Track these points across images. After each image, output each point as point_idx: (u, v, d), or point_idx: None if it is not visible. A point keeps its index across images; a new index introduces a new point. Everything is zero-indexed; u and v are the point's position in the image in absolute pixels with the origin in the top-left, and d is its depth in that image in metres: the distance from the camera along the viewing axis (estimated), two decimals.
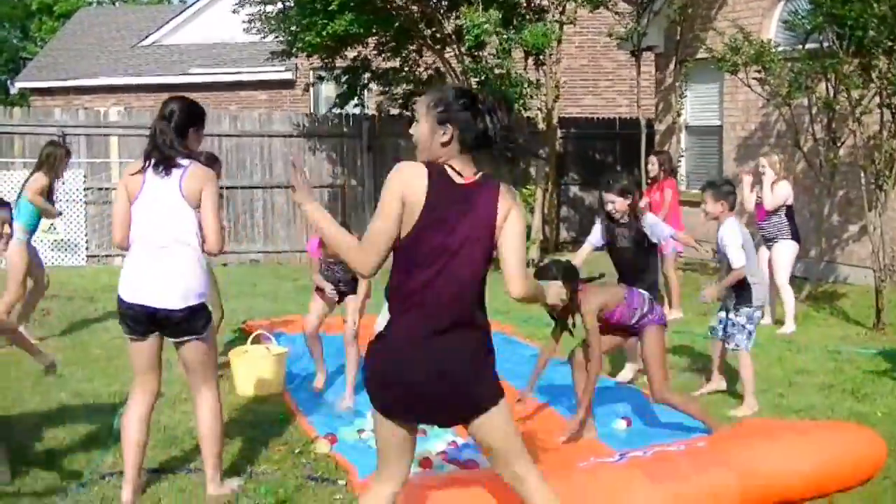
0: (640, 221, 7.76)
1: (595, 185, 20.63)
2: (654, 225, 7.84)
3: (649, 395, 7.18)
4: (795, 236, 10.78)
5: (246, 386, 8.19)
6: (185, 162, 5.61)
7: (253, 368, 8.24)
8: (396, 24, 16.58)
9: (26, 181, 10.30)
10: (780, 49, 12.95)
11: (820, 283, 13.43)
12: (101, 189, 17.59)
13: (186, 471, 6.28)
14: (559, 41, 16.56)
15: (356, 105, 18.96)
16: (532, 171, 18.45)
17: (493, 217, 4.10)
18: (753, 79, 12.97)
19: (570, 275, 6.65)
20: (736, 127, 16.57)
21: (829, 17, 11.32)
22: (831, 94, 12.17)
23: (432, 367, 4.02)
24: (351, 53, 18.01)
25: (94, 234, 17.50)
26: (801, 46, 12.57)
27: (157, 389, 5.85)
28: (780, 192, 10.63)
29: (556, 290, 4.85)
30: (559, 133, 19.00)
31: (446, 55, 17.31)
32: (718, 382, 8.37)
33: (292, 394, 8.23)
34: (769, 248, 10.75)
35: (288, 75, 26.22)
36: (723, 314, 8.06)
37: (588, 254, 8.20)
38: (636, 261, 7.80)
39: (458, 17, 15.89)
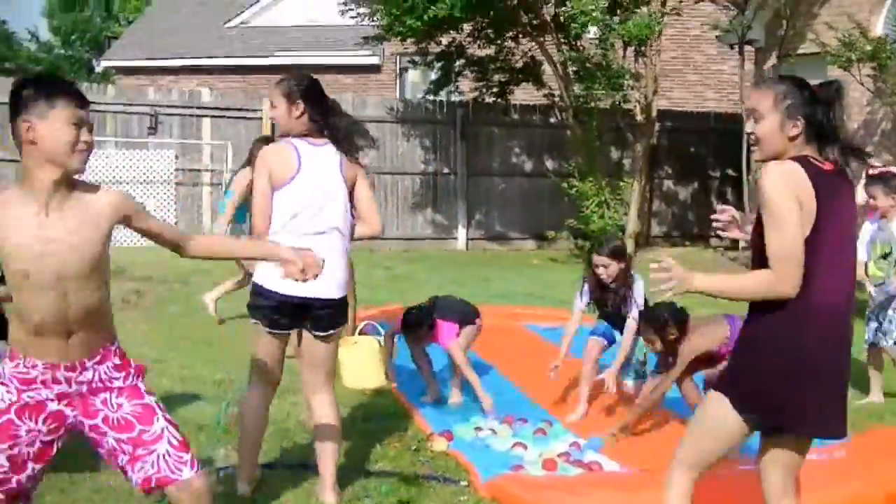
0: (630, 288, 7.25)
1: (689, 178, 20.47)
2: (638, 294, 7.27)
3: None
4: None
5: (354, 379, 8.02)
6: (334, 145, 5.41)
7: (362, 360, 8.07)
8: (493, 10, 16.46)
9: (234, 175, 10.43)
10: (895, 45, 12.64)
11: None
12: (191, 170, 17.61)
13: (302, 467, 6.11)
14: (660, 33, 16.26)
15: (451, 92, 18.78)
16: (627, 162, 18.26)
17: (855, 201, 4.11)
18: (867, 76, 12.68)
19: (679, 317, 6.69)
20: None
21: None
22: None
23: (848, 364, 4.00)
24: (445, 39, 17.84)
25: (184, 215, 17.50)
26: None
27: (279, 381, 5.68)
28: None
29: None
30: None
31: (545, 44, 17.10)
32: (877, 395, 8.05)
33: (402, 388, 8.00)
34: None
35: (374, 60, 26.09)
36: (874, 323, 7.83)
37: (580, 320, 7.60)
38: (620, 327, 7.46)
39: (558, 5, 15.74)
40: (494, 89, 18.57)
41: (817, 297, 3.79)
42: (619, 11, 15.52)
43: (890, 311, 7.70)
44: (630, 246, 16.52)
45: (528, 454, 6.39)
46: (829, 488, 5.29)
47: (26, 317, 3.71)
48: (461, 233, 19.00)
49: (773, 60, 17.37)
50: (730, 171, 20.40)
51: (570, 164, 17.68)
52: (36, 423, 3.80)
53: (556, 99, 18.04)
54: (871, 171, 10.36)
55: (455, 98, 19.33)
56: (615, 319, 7.45)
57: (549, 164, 19.37)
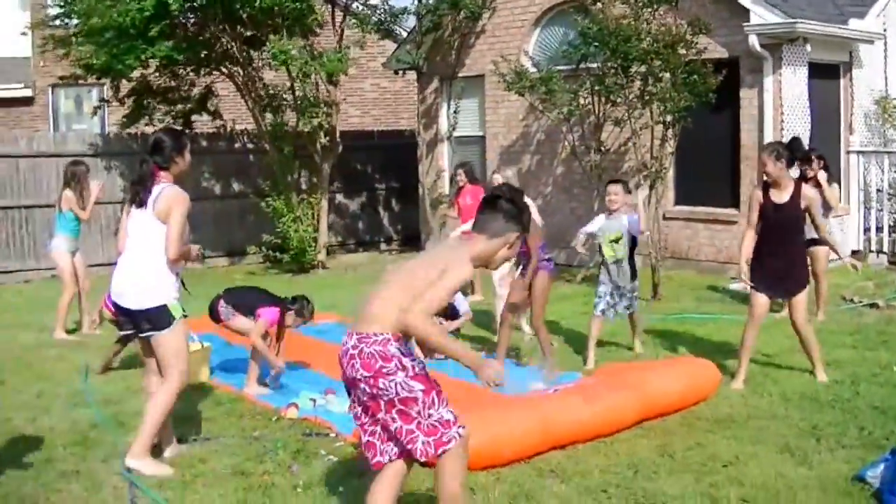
0: None
1: (357, 192, 22.46)
2: None
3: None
4: None
5: None
6: None
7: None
8: (206, 50, 17.87)
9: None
10: (558, 69, 15.12)
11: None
12: None
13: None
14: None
15: (146, 124, 19.64)
16: (304, 181, 19.82)
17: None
18: (539, 99, 15.11)
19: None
20: (498, 137, 18.77)
21: (605, 47, 13.51)
22: (602, 109, 14.49)
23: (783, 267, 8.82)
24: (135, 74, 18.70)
25: None
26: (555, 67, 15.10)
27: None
28: None
29: None
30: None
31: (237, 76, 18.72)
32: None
33: (224, 382, 9.51)
34: None
35: (27, 92, 26.40)
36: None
37: None
38: None
39: (257, 46, 17.45)
40: (180, 119, 19.69)
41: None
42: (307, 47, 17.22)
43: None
44: (322, 255, 18.39)
45: None
46: (607, 398, 7.60)
47: None
48: None
49: (435, 83, 19.67)
50: (394, 184, 22.73)
51: (265, 184, 19.10)
52: None
53: (233, 127, 19.66)
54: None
55: (150, 129, 20.01)
56: None
57: (235, 186, 20.73)
